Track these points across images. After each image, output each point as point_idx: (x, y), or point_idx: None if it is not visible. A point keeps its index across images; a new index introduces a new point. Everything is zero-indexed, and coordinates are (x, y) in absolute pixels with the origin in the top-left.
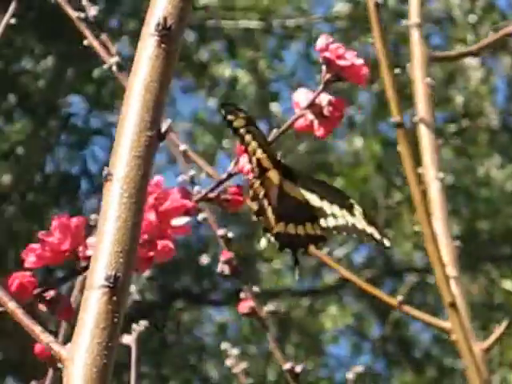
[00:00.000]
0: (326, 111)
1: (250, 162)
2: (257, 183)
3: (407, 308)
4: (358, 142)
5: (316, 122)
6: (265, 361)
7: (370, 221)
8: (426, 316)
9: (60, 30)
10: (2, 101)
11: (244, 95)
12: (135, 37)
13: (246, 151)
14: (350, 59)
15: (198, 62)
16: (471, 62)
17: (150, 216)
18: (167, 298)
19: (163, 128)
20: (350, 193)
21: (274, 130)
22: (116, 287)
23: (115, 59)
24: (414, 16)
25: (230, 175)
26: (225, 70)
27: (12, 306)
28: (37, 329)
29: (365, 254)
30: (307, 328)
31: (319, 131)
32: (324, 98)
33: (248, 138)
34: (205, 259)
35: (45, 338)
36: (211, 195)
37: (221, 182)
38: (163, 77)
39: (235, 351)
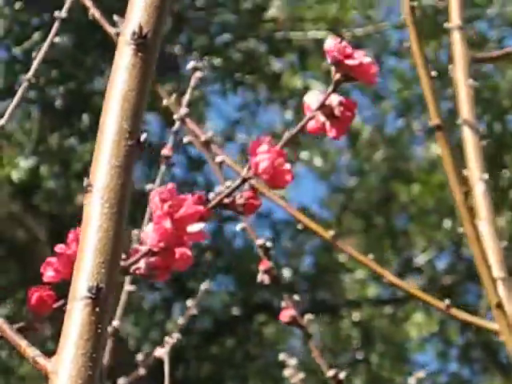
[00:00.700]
0: (337, 112)
1: None
2: None
3: (455, 311)
4: (435, 149)
5: (328, 124)
6: (350, 370)
7: None
8: (474, 318)
9: None
10: (76, 121)
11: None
12: (204, 52)
13: None
14: (359, 58)
15: (270, 73)
16: None
17: (166, 223)
18: (249, 312)
19: (142, 137)
20: (426, 199)
21: (286, 133)
22: (98, 298)
23: None
24: (455, 18)
25: (245, 180)
26: (297, 81)
27: None
28: (23, 343)
29: (446, 260)
30: (391, 337)
31: (331, 132)
32: (335, 99)
33: None
34: (286, 272)
35: (31, 351)
36: (226, 201)
37: (236, 188)
38: (141, 85)
39: (293, 361)
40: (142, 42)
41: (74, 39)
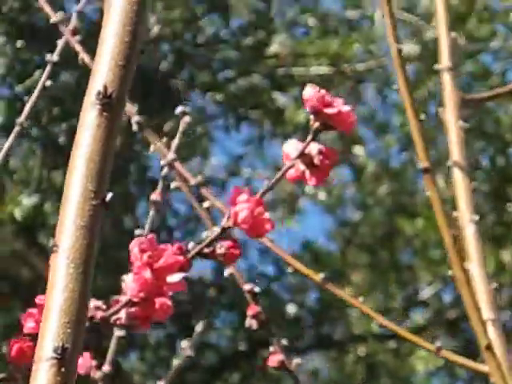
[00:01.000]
0: (316, 160)
1: None
2: None
3: (445, 353)
4: (440, 183)
5: (307, 172)
6: None
7: None
8: (465, 360)
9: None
10: None
11: (324, 140)
12: (206, 88)
13: None
14: (337, 107)
15: (274, 108)
16: None
17: (146, 274)
18: (253, 347)
19: (108, 197)
20: (430, 234)
21: (265, 181)
22: (64, 358)
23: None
24: (445, 60)
25: (224, 229)
26: (301, 116)
27: None
28: None
29: (452, 293)
30: (397, 371)
31: (311, 181)
32: (314, 148)
33: None
34: (291, 308)
35: None
36: (206, 250)
37: (216, 237)
38: (106, 146)
39: None
40: (107, 102)
41: (75, 76)
